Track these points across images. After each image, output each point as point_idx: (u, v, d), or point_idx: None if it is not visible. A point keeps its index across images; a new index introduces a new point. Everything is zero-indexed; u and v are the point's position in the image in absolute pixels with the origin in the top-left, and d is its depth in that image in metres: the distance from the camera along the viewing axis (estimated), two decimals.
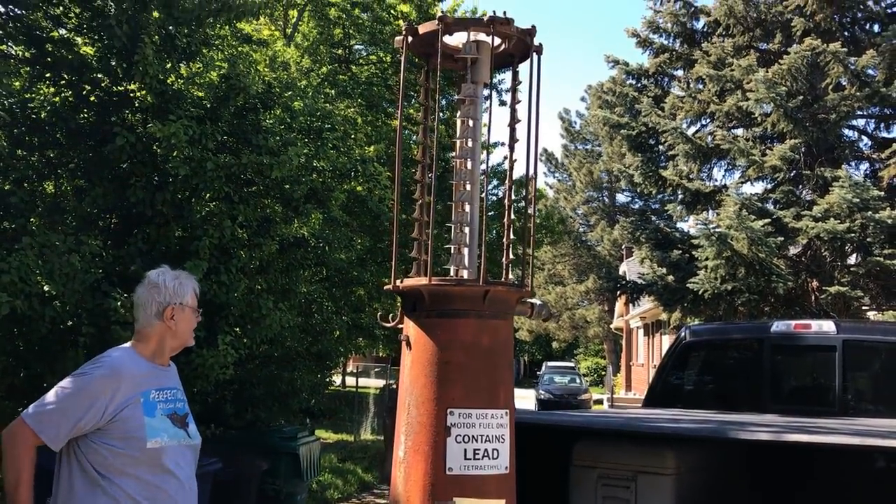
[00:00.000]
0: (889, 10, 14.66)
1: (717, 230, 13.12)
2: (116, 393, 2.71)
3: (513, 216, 3.15)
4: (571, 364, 42.07)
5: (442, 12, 19.17)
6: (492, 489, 2.83)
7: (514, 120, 3.11)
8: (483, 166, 3.16)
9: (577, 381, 31.96)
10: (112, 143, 6.69)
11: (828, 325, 6.22)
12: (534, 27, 3.07)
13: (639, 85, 16.72)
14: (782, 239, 13.17)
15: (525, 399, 30.07)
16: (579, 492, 4.18)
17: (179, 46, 7.59)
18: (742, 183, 14.99)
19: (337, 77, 16.92)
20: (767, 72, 13.49)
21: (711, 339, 7.09)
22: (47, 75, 7.30)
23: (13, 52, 7.46)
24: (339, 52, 18.60)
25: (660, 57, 16.22)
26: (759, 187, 15.40)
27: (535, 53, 3.10)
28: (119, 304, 6.08)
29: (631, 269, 28.34)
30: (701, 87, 15.50)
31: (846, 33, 14.62)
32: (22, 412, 2.71)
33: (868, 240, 12.66)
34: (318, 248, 9.76)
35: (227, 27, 9.06)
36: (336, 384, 23.46)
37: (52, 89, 7.41)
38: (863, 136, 15.27)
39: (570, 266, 46.19)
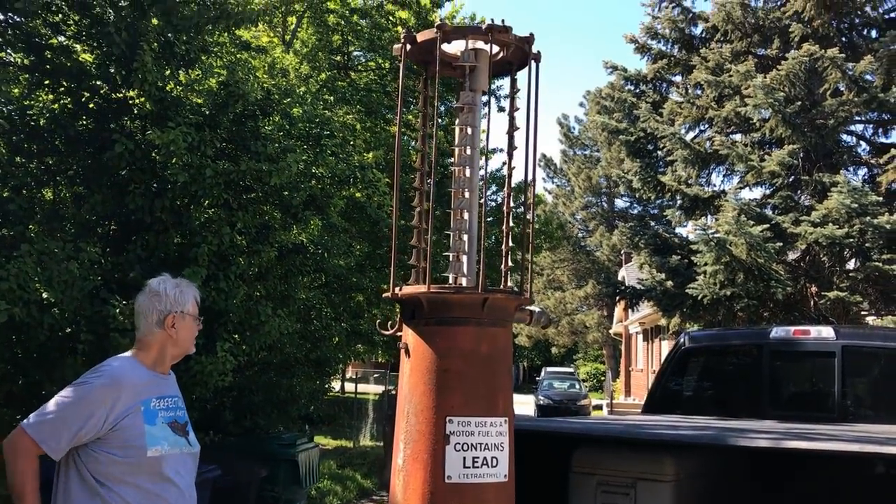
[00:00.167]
0: (887, 16, 14.69)
1: (715, 235, 13.12)
2: (117, 402, 2.71)
3: (511, 223, 3.16)
4: (571, 369, 42.08)
5: (440, 19, 19.17)
6: (491, 497, 2.83)
7: (512, 128, 3.12)
8: (482, 172, 3.16)
9: (577, 386, 31.92)
10: (111, 150, 6.69)
11: (827, 331, 6.22)
12: (532, 35, 3.08)
13: (637, 90, 16.73)
14: (781, 244, 13.17)
15: (524, 405, 30.05)
16: (578, 499, 4.17)
17: (178, 53, 7.60)
18: (741, 188, 15.00)
19: (336, 83, 16.94)
20: (766, 77, 13.51)
21: (710, 346, 7.09)
22: (46, 82, 7.31)
23: (12, 60, 7.48)
24: (338, 58, 18.63)
25: (658, 63, 16.23)
26: (757, 193, 15.47)
27: (533, 61, 3.10)
28: (118, 311, 6.08)
29: (630, 274, 28.33)
30: (699, 92, 15.51)
31: (844, 39, 14.64)
32: (22, 422, 2.71)
33: (867, 245, 12.67)
34: (316, 255, 9.77)
35: (225, 34, 9.08)
36: (335, 390, 23.46)
37: (50, 96, 7.42)
38: (861, 142, 15.29)
39: (569, 271, 46.15)
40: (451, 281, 3.05)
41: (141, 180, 7.17)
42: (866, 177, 14.72)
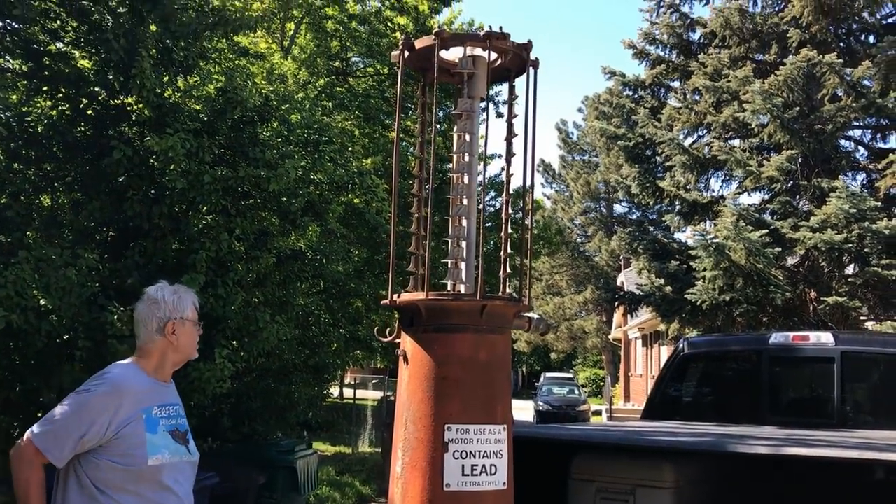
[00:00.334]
0: (884, 22, 14.72)
1: (714, 241, 13.12)
2: (119, 409, 2.71)
3: (510, 229, 3.15)
4: (570, 375, 42.00)
5: (439, 25, 19.20)
6: None
7: (510, 134, 3.11)
8: (480, 178, 3.16)
9: (576, 392, 31.91)
10: (109, 156, 6.69)
11: (826, 337, 6.22)
12: (530, 42, 3.07)
13: (636, 96, 16.75)
14: (780, 249, 13.17)
15: (523, 410, 30.02)
16: None
17: (177, 60, 7.61)
18: (739, 193, 15.02)
19: (334, 89, 16.94)
20: (764, 83, 13.53)
21: (710, 351, 7.09)
22: (44, 89, 7.31)
23: (10, 66, 7.47)
24: (337, 64, 18.63)
25: (656, 68, 16.25)
26: (756, 198, 15.42)
27: (531, 68, 3.10)
28: (115, 317, 6.07)
29: (629, 279, 28.34)
30: (698, 98, 15.53)
31: (842, 44, 14.67)
32: (28, 432, 2.72)
33: (865, 250, 12.67)
34: (315, 261, 9.75)
35: (224, 40, 9.07)
36: (334, 396, 23.40)
37: (49, 103, 7.42)
38: (859, 147, 15.31)
39: (568, 277, 46.17)
40: (449, 288, 3.04)
41: (139, 187, 7.17)
42: (865, 182, 14.74)
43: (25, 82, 7.36)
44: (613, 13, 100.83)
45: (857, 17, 14.59)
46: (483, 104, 3.16)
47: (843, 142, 14.85)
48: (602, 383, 42.22)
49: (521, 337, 45.63)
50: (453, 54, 3.11)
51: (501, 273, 3.11)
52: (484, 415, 2.85)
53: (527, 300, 3.08)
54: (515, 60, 3.14)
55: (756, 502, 4.70)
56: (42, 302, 5.94)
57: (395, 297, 3.01)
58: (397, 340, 3.04)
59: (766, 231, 13.02)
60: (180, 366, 3.02)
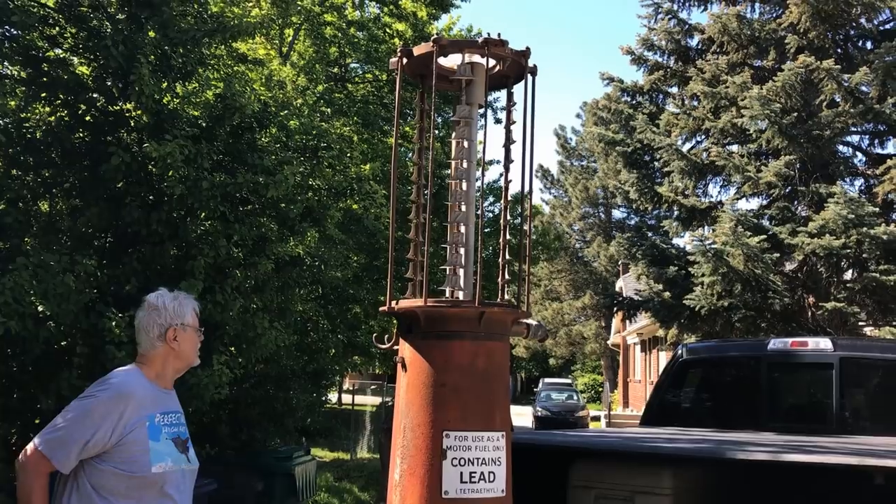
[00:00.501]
0: (881, 28, 14.75)
1: (712, 246, 13.13)
2: (123, 414, 2.72)
3: (508, 236, 3.15)
4: (568, 381, 42.03)
5: (437, 31, 19.17)
6: None
7: (508, 141, 3.11)
8: (478, 183, 3.16)
9: (575, 397, 31.89)
10: (107, 162, 6.69)
11: (824, 343, 6.22)
12: (528, 49, 3.08)
13: (634, 102, 16.76)
14: (778, 255, 13.18)
15: (522, 416, 30.00)
16: None
17: (175, 66, 7.61)
18: (737, 199, 15.03)
19: (333, 95, 16.95)
20: (762, 88, 13.54)
21: (708, 357, 7.08)
22: (43, 95, 7.31)
23: (9, 72, 7.47)
24: (335, 70, 18.64)
25: (654, 74, 16.27)
26: (754, 203, 15.50)
27: (529, 75, 3.10)
28: (114, 324, 6.07)
29: (627, 285, 28.34)
30: (696, 103, 15.55)
31: (839, 50, 14.70)
32: (34, 439, 2.72)
33: (864, 255, 12.68)
34: (313, 267, 9.75)
35: (222, 47, 9.08)
36: (332, 402, 23.38)
37: (47, 109, 7.42)
38: (857, 153, 15.32)
39: (567, 282, 46.15)
40: (447, 294, 3.04)
41: (137, 193, 7.17)
42: (863, 187, 14.76)
43: (24, 88, 7.36)
44: (612, 19, 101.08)
45: (854, 24, 14.62)
46: (481, 110, 3.16)
47: (841, 147, 14.89)
48: (601, 389, 42.23)
49: (519, 342, 45.49)
50: (452, 61, 3.11)
51: (500, 279, 3.11)
52: (482, 422, 2.84)
53: (525, 306, 3.08)
54: (514, 67, 3.14)
55: None
56: (40, 308, 5.93)
57: (393, 303, 3.00)
58: (396, 347, 3.03)
59: (765, 236, 13.02)
60: (182, 373, 3.02)
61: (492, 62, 3.09)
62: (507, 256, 3.12)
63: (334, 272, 10.90)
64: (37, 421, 6.39)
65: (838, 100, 13.71)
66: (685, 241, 15.97)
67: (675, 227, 15.49)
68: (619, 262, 35.59)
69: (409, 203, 3.24)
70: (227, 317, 7.10)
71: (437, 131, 17.00)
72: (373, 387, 28.02)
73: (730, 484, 4.51)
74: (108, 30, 7.28)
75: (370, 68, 18.72)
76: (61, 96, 7.28)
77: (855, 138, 15.16)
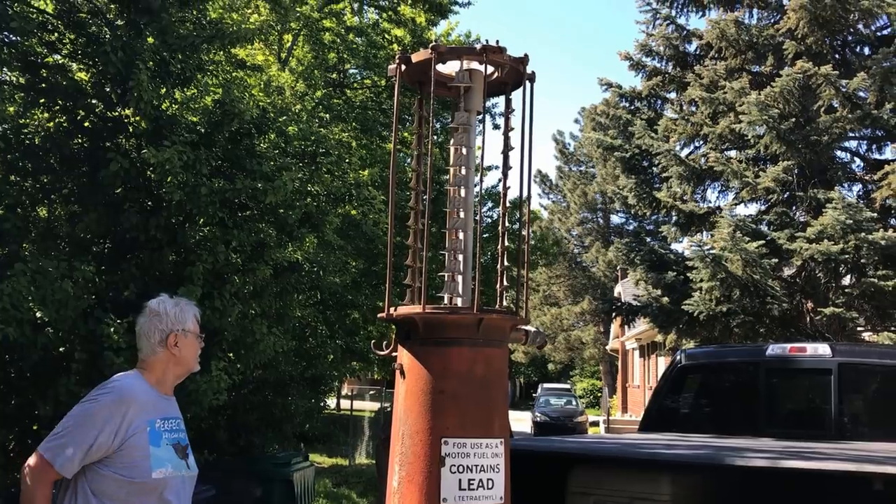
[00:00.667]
0: (879, 34, 14.78)
1: (711, 252, 13.13)
2: (125, 418, 2.73)
3: (507, 242, 3.15)
4: (567, 386, 42.01)
5: (436, 37, 19.20)
6: None
7: (507, 147, 3.11)
8: (477, 189, 3.16)
9: (574, 403, 31.89)
10: (106, 168, 6.69)
11: (823, 349, 6.21)
12: (526, 55, 3.08)
13: (632, 107, 16.78)
14: (776, 260, 13.19)
15: (521, 421, 29.96)
16: None
17: (174, 72, 7.61)
18: (736, 204, 15.03)
19: (331, 101, 16.96)
20: (760, 94, 13.57)
21: (707, 363, 7.08)
22: (41, 101, 7.31)
23: (8, 78, 7.48)
24: (334, 76, 18.66)
25: (652, 80, 16.29)
26: (752, 209, 15.45)
27: (527, 81, 3.10)
28: (112, 329, 6.06)
29: (626, 290, 28.32)
30: (694, 109, 15.57)
31: (837, 56, 14.72)
32: (39, 447, 2.73)
33: (862, 261, 12.69)
34: (312, 272, 9.75)
35: (221, 53, 9.09)
36: (331, 407, 23.30)
37: (46, 115, 7.42)
38: (855, 158, 15.34)
39: (566, 287, 46.16)
40: (446, 301, 3.04)
41: (136, 199, 7.17)
42: (861, 193, 14.77)
43: (23, 94, 7.37)
44: (610, 25, 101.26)
45: (852, 29, 14.66)
46: (480, 117, 3.16)
47: (838, 153, 14.91)
48: (599, 394, 42.16)
49: (518, 348, 45.54)
50: (450, 68, 3.12)
51: (498, 286, 3.11)
52: (481, 429, 2.84)
53: (524, 313, 3.08)
54: (512, 74, 3.14)
55: None
56: (38, 314, 5.93)
57: (391, 310, 3.00)
58: (394, 354, 3.03)
59: (763, 242, 13.03)
60: (182, 379, 3.03)
61: (490, 69, 3.09)
62: (506, 262, 3.12)
63: (333, 278, 10.90)
64: (35, 427, 6.38)
65: (836, 105, 13.74)
66: (684, 246, 15.97)
67: (674, 233, 15.50)
68: (618, 268, 35.59)
69: (408, 209, 3.24)
70: (226, 322, 7.09)
71: (435, 137, 17.01)
72: (371, 392, 28.01)
73: (728, 490, 4.51)
74: (107, 36, 7.28)
75: (369, 74, 18.75)
76: (60, 102, 7.28)
77: (853, 144, 15.20)
